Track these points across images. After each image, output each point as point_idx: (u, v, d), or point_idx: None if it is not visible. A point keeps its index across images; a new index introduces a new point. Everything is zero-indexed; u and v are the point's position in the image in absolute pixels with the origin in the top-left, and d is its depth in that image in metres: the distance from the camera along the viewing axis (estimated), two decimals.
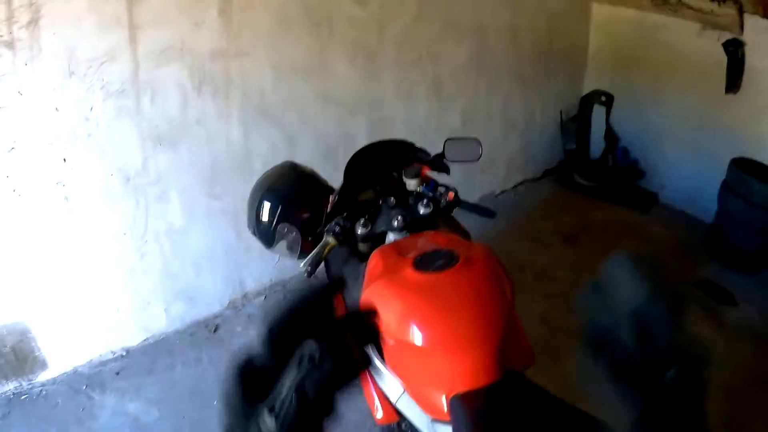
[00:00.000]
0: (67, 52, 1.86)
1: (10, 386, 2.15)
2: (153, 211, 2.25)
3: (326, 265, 1.55)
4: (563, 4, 3.49)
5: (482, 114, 3.32)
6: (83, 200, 2.07)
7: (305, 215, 1.57)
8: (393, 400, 1.16)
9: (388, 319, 1.07)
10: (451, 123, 3.14)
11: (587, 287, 0.59)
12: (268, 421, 0.50)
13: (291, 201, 1.58)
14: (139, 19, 1.96)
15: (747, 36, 2.89)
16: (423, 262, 1.15)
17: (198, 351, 2.40)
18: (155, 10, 1.99)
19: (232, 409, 0.53)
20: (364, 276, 1.29)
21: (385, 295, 1.13)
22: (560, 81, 3.73)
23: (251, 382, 0.54)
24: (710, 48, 3.01)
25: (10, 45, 1.75)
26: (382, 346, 1.15)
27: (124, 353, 2.36)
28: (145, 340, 2.42)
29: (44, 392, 2.18)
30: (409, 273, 1.14)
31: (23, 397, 2.15)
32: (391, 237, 1.44)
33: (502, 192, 3.70)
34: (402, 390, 1.14)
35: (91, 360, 2.30)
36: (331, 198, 1.54)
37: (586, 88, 3.73)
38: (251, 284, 2.69)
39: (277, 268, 2.72)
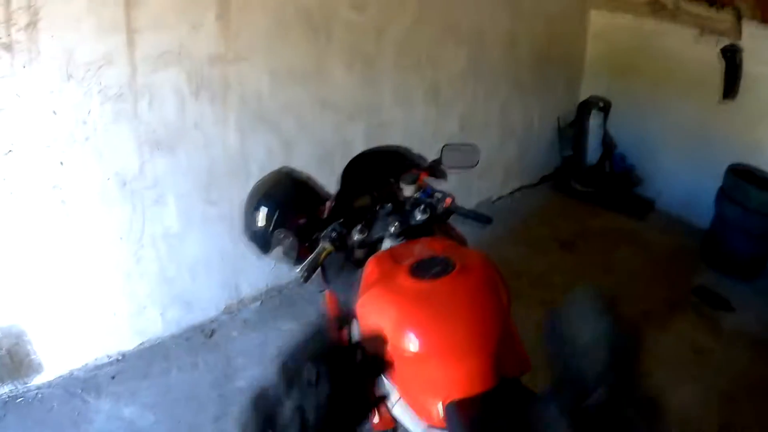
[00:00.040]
0: (65, 55, 1.85)
1: (6, 389, 2.14)
2: (149, 215, 2.24)
3: (322, 271, 1.55)
4: (561, 10, 3.50)
5: (480, 120, 3.33)
6: (80, 204, 2.06)
7: (301, 221, 1.56)
8: (389, 406, 1.16)
9: (383, 326, 1.07)
10: (449, 128, 3.14)
11: (552, 316, 0.63)
12: None
13: (287, 207, 1.58)
14: (137, 22, 1.96)
15: (745, 42, 2.91)
16: (419, 269, 1.15)
17: (194, 356, 2.39)
18: (153, 14, 1.99)
19: None
20: (360, 282, 1.29)
21: (381, 302, 1.13)
22: (558, 87, 3.74)
23: (267, 412, 0.55)
24: (708, 55, 3.04)
25: (8, 47, 1.75)
26: None
27: (120, 357, 2.35)
28: (140, 344, 2.41)
29: (40, 396, 2.16)
30: (405, 280, 1.14)
31: (18, 400, 2.14)
32: (387, 243, 1.43)
33: (499, 198, 3.70)
34: (398, 396, 1.14)
35: (86, 364, 2.29)
36: (327, 204, 1.54)
37: (584, 95, 3.74)
38: (247, 289, 2.68)
39: (272, 274, 2.71)
